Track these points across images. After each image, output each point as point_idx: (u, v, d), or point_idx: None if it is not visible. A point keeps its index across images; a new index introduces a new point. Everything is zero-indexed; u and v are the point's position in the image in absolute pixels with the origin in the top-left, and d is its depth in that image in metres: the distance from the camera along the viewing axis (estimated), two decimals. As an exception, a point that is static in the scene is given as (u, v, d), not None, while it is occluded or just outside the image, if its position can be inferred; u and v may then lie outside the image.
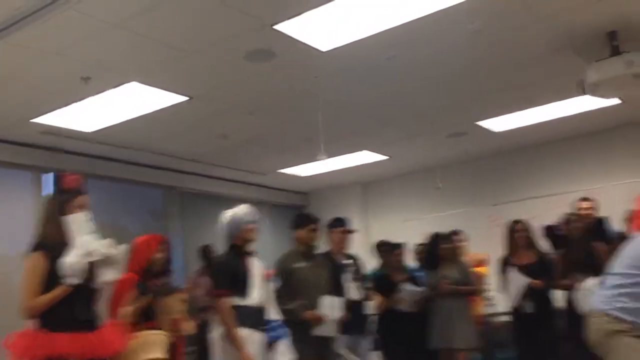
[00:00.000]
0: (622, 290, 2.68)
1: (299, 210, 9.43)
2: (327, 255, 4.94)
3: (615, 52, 4.56)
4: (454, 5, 3.94)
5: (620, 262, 2.80)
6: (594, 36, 4.59)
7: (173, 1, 3.75)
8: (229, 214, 4.01)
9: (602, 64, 4.57)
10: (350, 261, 5.02)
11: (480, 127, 6.75)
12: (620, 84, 4.64)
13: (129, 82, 4.84)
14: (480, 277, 5.68)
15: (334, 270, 4.80)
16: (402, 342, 5.37)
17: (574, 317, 4.72)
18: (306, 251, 4.60)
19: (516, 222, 5.28)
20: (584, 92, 4.83)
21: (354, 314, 4.75)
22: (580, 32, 4.58)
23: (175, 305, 3.84)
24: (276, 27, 4.13)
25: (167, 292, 3.81)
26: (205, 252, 6.38)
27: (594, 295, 2.92)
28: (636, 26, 4.49)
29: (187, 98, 5.27)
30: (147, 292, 3.75)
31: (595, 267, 4.78)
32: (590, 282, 4.62)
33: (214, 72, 4.86)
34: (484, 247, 6.12)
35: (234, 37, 4.26)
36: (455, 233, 5.87)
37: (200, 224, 7.56)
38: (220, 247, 4.15)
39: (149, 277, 3.84)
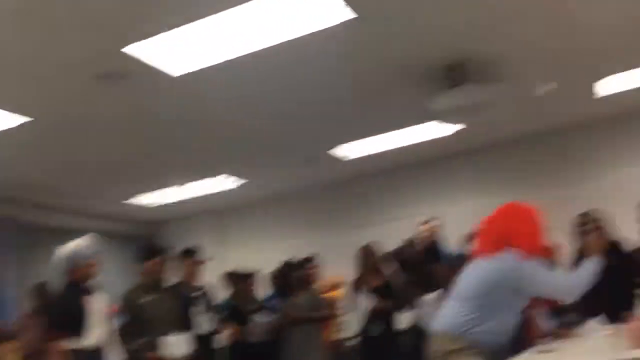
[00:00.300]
0: (465, 312, 2.80)
1: (150, 241, 9.06)
2: (177, 287, 4.74)
3: (458, 83, 4.87)
4: (302, 37, 3.99)
5: (463, 285, 2.93)
6: (440, 68, 4.87)
7: (18, 19, 3.46)
8: (67, 248, 3.73)
9: (446, 94, 4.87)
10: (201, 292, 4.86)
11: (333, 154, 6.90)
12: (462, 113, 4.97)
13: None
14: (333, 302, 5.71)
15: (183, 303, 4.61)
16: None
17: (418, 336, 4.93)
18: (153, 284, 4.37)
19: (365, 246, 5.41)
20: (429, 120, 5.11)
21: (203, 347, 4.59)
22: (427, 64, 4.83)
23: (5, 356, 3.40)
24: (126, 49, 3.94)
25: None
26: (40, 290, 5.83)
27: (437, 316, 3.02)
28: (476, 59, 4.82)
29: (29, 119, 4.87)
30: None
31: (435, 288, 5.05)
32: (429, 298, 4.90)
33: (60, 94, 4.55)
34: (340, 271, 6.19)
35: (83, 58, 4.03)
36: (308, 259, 5.89)
37: (37, 259, 6.97)
38: (56, 283, 3.83)
39: None
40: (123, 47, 3.91)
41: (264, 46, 4.09)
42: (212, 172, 7.11)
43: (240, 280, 5.69)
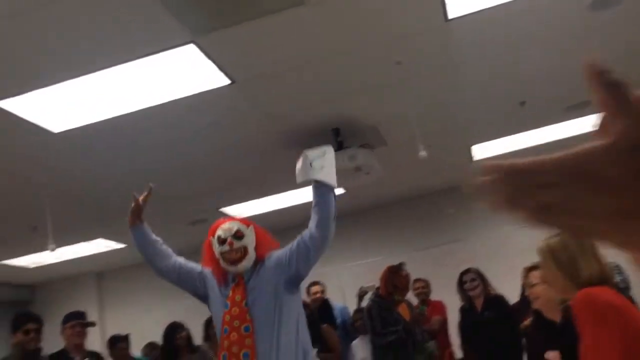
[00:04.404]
0: None
1: (23, 306, 8.42)
2: (59, 355, 4.42)
3: (340, 147, 5.05)
4: (187, 96, 4.01)
5: None
6: (321, 132, 5.03)
7: None
8: None
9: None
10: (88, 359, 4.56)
11: (222, 213, 6.84)
12: (344, 176, 5.11)
13: None
14: None
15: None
16: None
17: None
18: (28, 356, 4.03)
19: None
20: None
21: None
22: (309, 128, 4.99)
23: None
24: (1, 104, 3.75)
25: None
26: None
27: None
28: (356, 124, 5.04)
29: None
30: None
31: (323, 348, 5.07)
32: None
33: None
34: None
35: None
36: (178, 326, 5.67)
37: None
38: None
39: None
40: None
41: (143, 106, 4.07)
42: (86, 236, 6.82)
43: (114, 344, 5.51)
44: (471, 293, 4.84)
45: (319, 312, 5.68)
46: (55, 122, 4.12)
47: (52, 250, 5.47)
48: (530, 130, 5.88)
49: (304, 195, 6.64)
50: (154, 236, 3.09)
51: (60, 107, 3.92)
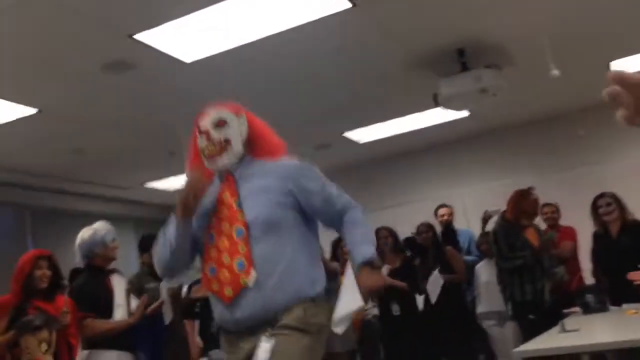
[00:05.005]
0: None
1: (148, 233, 9.11)
2: None
3: (465, 68, 4.88)
4: (312, 22, 4.03)
5: None
6: (445, 53, 4.88)
7: (21, 9, 3.49)
8: (87, 233, 3.79)
9: (453, 80, 4.88)
10: None
11: (345, 138, 6.93)
12: (469, 98, 4.98)
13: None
14: None
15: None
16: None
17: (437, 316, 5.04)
18: (152, 274, 4.15)
19: (379, 229, 5.46)
20: (437, 105, 5.12)
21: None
22: (432, 50, 4.85)
23: (32, 346, 3.38)
24: (136, 37, 3.98)
25: (30, 328, 3.37)
26: (73, 276, 5.87)
27: None
28: (483, 44, 4.83)
29: (36, 110, 4.92)
30: (17, 323, 3.33)
31: (447, 270, 5.13)
32: (434, 275, 4.98)
33: (66, 83, 4.59)
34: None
35: (89, 47, 4.05)
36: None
37: (54, 245, 7.05)
38: (79, 267, 3.92)
39: (32, 297, 3.43)
40: (131, 34, 3.93)
41: (269, 33, 4.13)
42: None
43: None
44: (606, 218, 4.61)
45: (444, 235, 5.70)
46: (186, 52, 4.32)
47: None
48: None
49: (428, 118, 6.55)
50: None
51: (191, 37, 4.09)
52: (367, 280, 2.11)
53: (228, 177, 2.28)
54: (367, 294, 2.31)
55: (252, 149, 2.34)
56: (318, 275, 2.22)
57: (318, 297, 2.16)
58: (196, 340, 4.69)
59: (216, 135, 2.26)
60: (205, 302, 4.54)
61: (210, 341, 4.53)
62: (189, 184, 2.22)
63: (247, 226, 2.13)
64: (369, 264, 2.12)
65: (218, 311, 2.18)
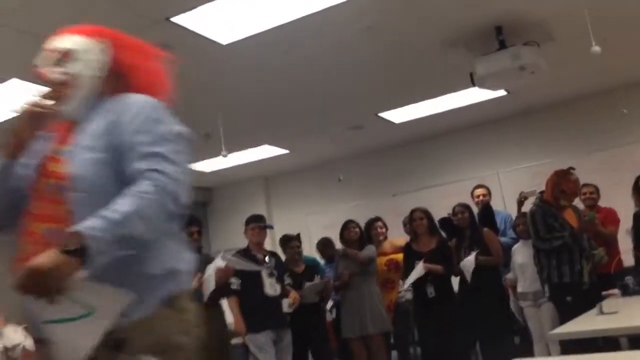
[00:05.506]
0: None
1: (202, 207, 9.29)
2: (245, 252, 4.89)
3: (502, 46, 4.80)
4: (346, 1, 4.00)
5: None
6: (482, 31, 4.80)
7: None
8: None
9: (490, 58, 4.80)
10: (269, 258, 4.99)
11: (380, 119, 6.90)
12: (506, 77, 4.90)
13: (9, 79, 4.56)
14: (397, 264, 5.72)
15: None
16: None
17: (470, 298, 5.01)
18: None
19: (414, 210, 5.43)
20: (473, 85, 5.06)
21: (273, 309, 4.78)
22: (469, 28, 4.78)
23: None
24: (173, 19, 4.02)
25: None
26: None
27: None
28: (521, 21, 4.74)
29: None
30: None
31: (484, 252, 5.09)
32: (470, 257, 4.96)
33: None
34: (392, 234, 6.21)
35: (127, 30, 4.08)
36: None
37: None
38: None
39: None
40: (168, 17, 3.98)
41: (304, 14, 4.12)
42: (253, 142, 7.23)
43: (287, 242, 5.82)
44: None
45: (481, 216, 5.64)
46: (223, 35, 4.35)
47: (225, 156, 5.93)
48: None
49: (464, 98, 6.47)
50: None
51: (227, 19, 4.12)
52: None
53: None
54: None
55: (116, 86, 1.79)
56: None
57: None
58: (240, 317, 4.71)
59: (56, 73, 1.70)
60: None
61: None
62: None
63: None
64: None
65: None
